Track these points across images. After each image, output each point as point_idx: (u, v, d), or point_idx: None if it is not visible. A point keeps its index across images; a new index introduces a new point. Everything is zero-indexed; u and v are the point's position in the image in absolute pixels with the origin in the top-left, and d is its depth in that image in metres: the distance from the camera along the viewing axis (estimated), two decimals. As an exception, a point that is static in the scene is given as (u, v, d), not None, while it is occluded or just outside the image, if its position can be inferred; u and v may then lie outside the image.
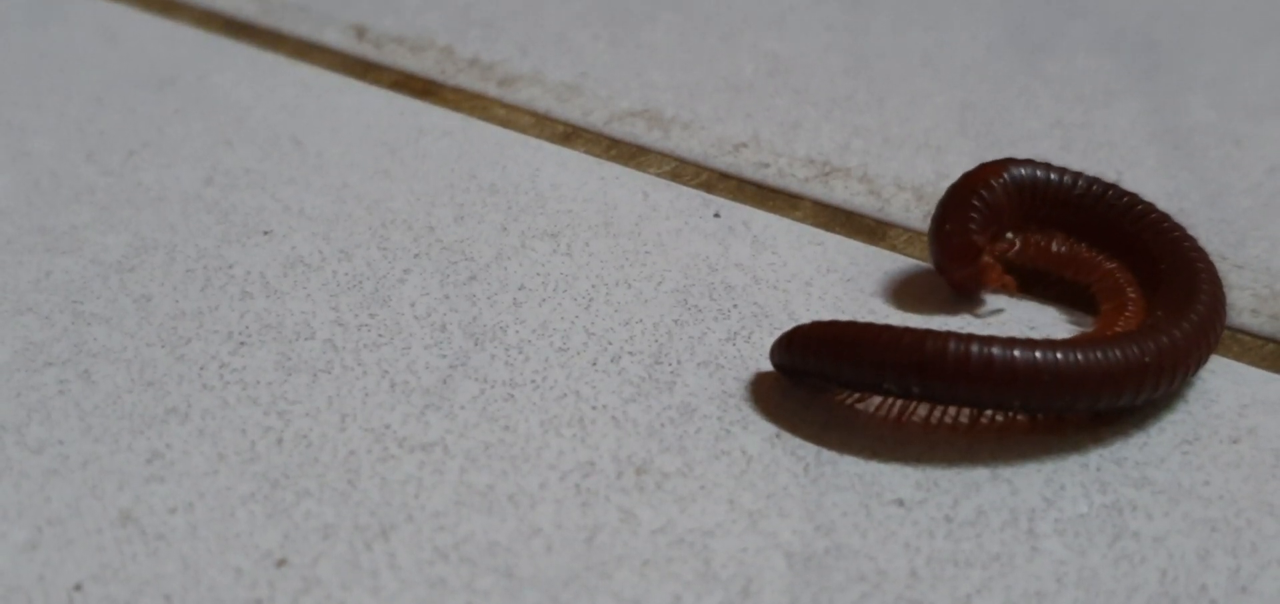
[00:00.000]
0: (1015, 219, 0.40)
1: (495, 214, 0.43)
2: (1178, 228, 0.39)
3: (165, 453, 0.35)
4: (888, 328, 0.35)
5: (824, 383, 0.36)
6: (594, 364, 0.38)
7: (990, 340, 0.34)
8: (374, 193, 0.44)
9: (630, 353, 0.38)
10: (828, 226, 0.43)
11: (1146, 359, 0.35)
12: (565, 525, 0.33)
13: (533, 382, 0.37)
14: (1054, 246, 0.40)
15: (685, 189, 0.44)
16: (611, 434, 0.35)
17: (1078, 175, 0.40)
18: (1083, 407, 0.35)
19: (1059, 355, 0.34)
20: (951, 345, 0.34)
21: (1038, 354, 0.34)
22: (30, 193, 0.44)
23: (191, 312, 0.39)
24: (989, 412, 0.35)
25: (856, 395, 0.36)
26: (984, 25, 0.53)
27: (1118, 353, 0.34)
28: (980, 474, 0.34)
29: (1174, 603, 0.32)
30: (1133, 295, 0.38)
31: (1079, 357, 0.34)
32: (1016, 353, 0.34)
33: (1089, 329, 0.38)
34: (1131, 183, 0.44)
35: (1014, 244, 0.40)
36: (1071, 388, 0.34)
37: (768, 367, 0.37)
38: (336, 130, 0.47)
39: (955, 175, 0.41)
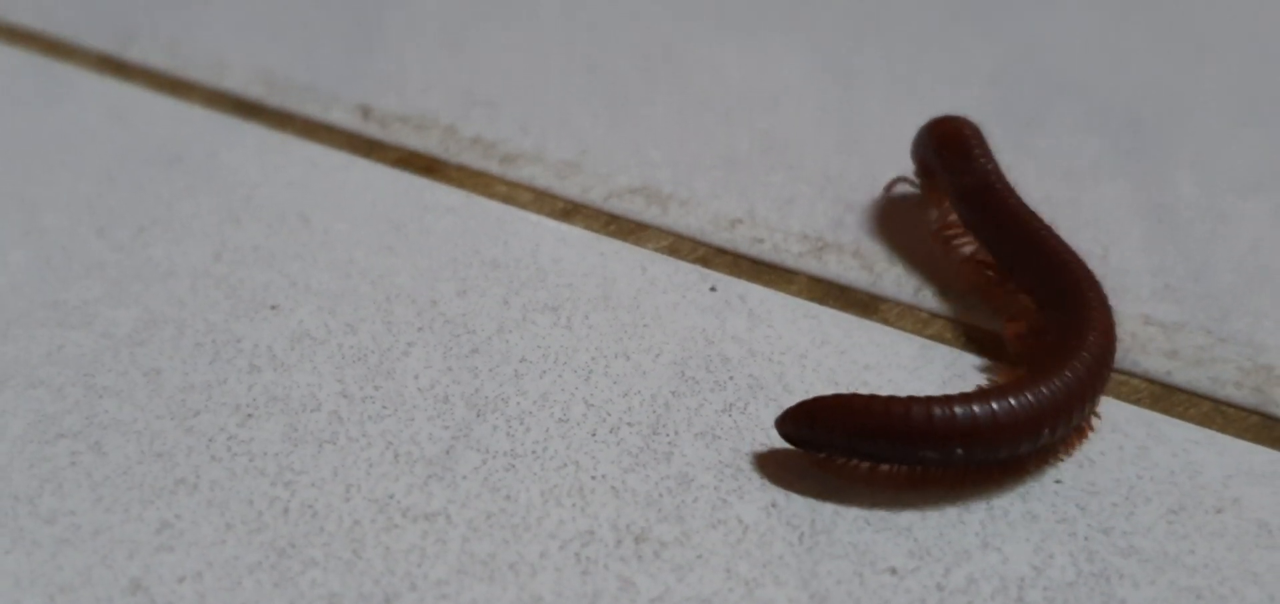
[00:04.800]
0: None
1: (497, 288, 0.44)
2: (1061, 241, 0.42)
3: (175, 522, 0.35)
4: (912, 401, 0.36)
5: (841, 454, 0.37)
6: (593, 435, 0.38)
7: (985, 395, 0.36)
8: (379, 268, 0.45)
9: (629, 424, 0.39)
10: (821, 300, 0.44)
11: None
12: (565, 593, 0.34)
13: (533, 452, 0.38)
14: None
15: (682, 264, 0.45)
16: (611, 503, 0.36)
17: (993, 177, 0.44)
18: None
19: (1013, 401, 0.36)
20: (977, 408, 0.36)
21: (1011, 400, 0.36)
22: (42, 268, 0.45)
23: (200, 384, 0.40)
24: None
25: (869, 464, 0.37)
26: (973, 103, 0.54)
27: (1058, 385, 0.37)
28: (971, 542, 0.35)
29: (1160, 669, 0.32)
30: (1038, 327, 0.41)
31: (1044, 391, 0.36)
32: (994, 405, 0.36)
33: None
34: (1118, 257, 0.45)
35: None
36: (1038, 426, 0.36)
37: (764, 437, 0.38)
38: (342, 207, 0.48)
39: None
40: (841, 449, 0.36)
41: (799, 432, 0.37)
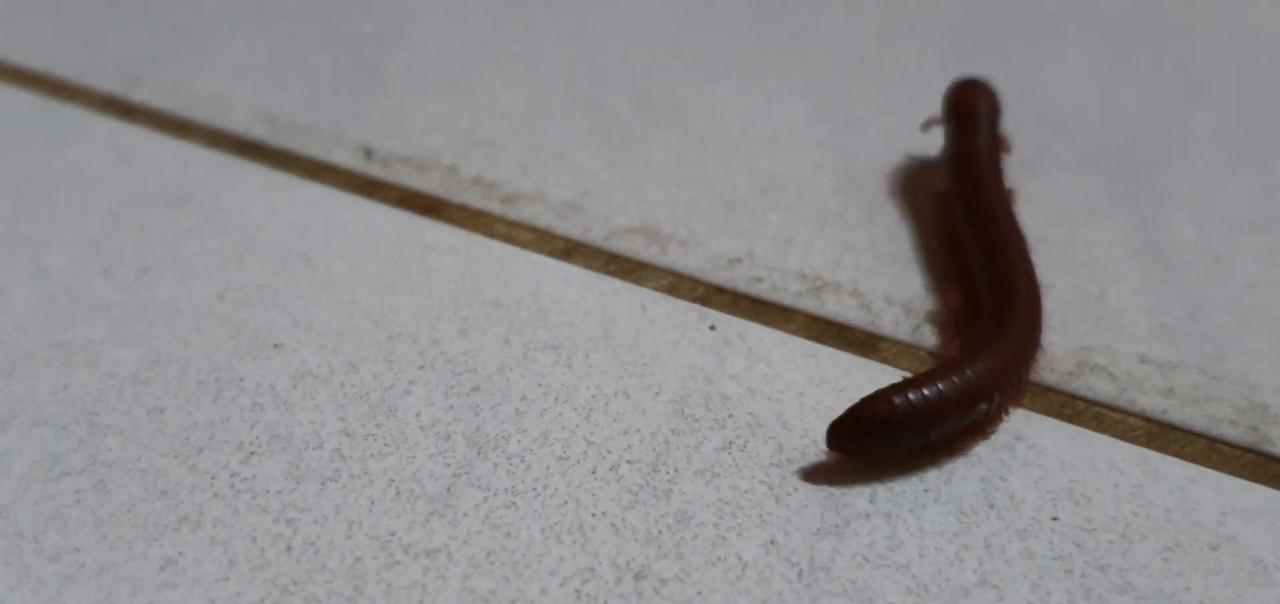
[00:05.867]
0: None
1: (498, 327, 0.44)
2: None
3: (178, 560, 0.36)
4: (945, 373, 0.38)
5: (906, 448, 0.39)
6: (594, 472, 0.38)
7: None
8: (381, 307, 0.45)
9: (629, 461, 0.39)
10: (820, 339, 0.44)
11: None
12: (566, 630, 0.34)
13: (534, 489, 0.38)
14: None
15: (682, 303, 0.46)
16: (611, 540, 0.36)
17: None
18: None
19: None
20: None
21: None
22: (48, 308, 0.45)
23: (204, 423, 0.40)
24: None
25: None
26: (971, 145, 0.54)
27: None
28: (969, 579, 0.35)
29: (1157, 705, 0.32)
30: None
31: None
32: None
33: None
34: (1114, 297, 0.45)
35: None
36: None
37: (763, 475, 0.38)
38: (345, 247, 0.48)
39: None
40: (903, 442, 0.38)
41: (858, 444, 0.38)
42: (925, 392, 0.38)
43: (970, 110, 0.49)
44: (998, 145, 0.49)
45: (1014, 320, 0.41)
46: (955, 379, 0.38)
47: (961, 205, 0.46)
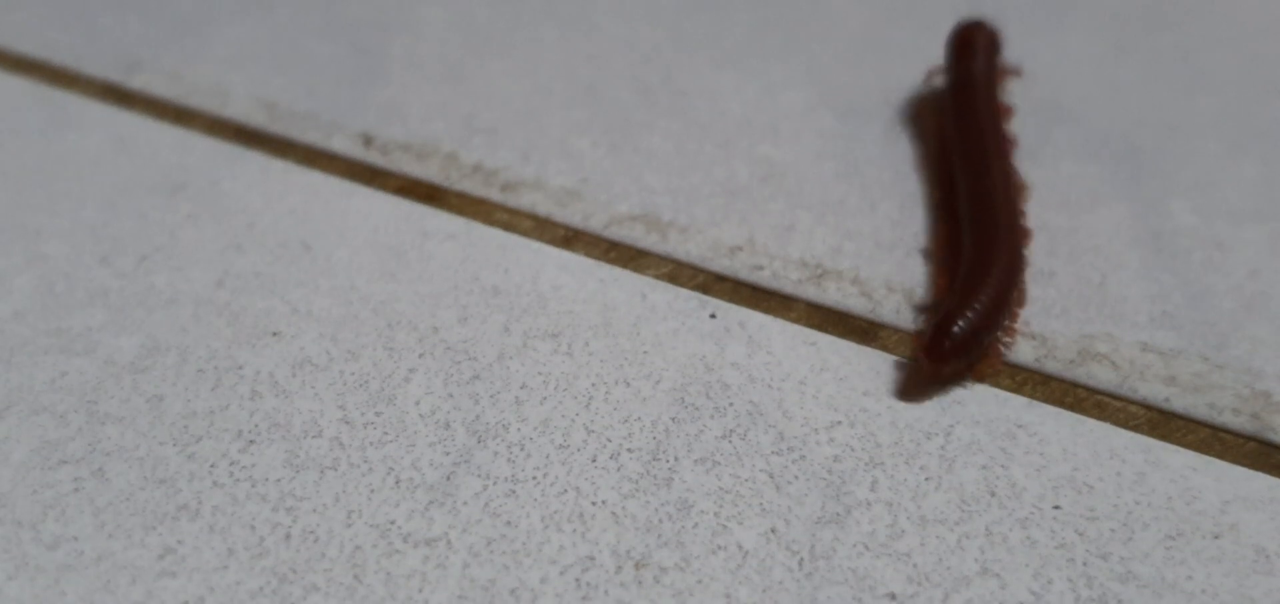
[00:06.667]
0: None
1: (498, 315, 0.44)
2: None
3: (177, 548, 0.36)
4: (986, 268, 0.42)
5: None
6: (594, 461, 0.38)
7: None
8: (380, 295, 0.45)
9: (629, 450, 0.39)
10: (821, 327, 0.44)
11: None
12: (566, 619, 0.34)
13: (534, 478, 0.38)
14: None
15: (682, 290, 0.45)
16: (611, 529, 0.36)
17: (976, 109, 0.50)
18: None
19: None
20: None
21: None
22: (46, 296, 0.45)
23: (202, 411, 0.40)
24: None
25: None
26: (972, 132, 0.54)
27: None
28: (970, 568, 0.35)
29: (1159, 694, 0.32)
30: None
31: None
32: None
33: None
34: (1116, 284, 0.45)
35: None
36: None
37: (763, 463, 0.38)
38: (344, 234, 0.48)
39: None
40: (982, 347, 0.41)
41: (957, 360, 0.40)
42: (986, 296, 0.40)
43: (968, 42, 0.52)
44: (994, 74, 0.51)
45: (1002, 229, 0.43)
46: (999, 279, 0.41)
47: (954, 125, 0.48)
